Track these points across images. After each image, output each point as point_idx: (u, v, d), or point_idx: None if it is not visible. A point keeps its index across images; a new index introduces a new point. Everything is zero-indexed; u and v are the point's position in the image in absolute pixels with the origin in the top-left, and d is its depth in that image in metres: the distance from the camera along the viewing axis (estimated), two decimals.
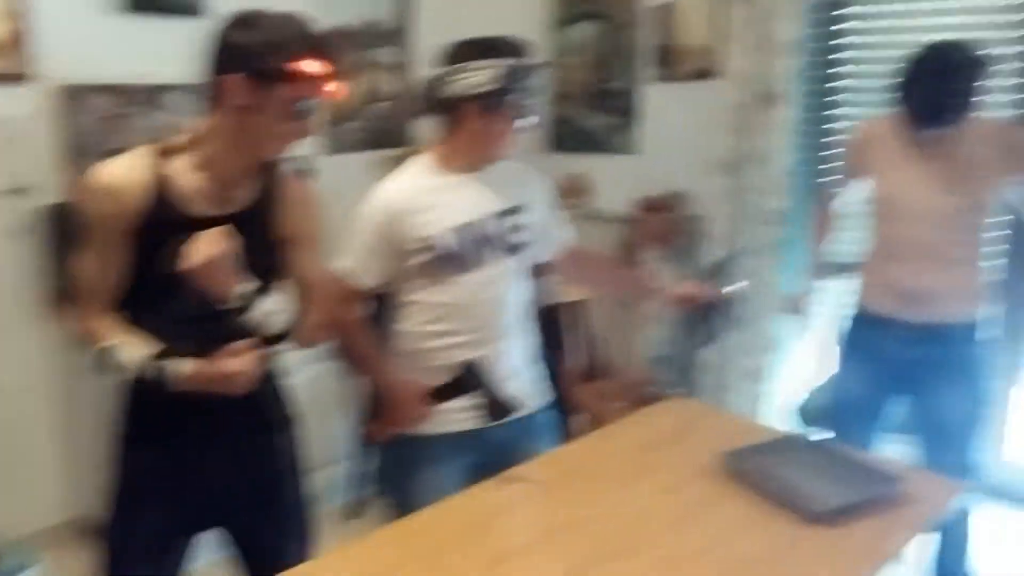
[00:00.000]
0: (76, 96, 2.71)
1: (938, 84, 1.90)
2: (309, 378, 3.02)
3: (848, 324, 2.32)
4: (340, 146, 3.52)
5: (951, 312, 2.11)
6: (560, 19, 3.80)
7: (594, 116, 3.78)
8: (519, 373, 1.98)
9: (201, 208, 1.57)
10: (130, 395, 1.68)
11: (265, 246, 1.64)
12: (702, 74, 3.38)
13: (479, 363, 1.82)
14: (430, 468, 1.90)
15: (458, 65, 1.77)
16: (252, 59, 1.47)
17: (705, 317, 1.85)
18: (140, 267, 1.57)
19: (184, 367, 1.53)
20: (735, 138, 3.16)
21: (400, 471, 1.93)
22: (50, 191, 2.71)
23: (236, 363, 1.53)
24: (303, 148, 3.13)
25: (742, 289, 1.74)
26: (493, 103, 1.77)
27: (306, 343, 1.73)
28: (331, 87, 1.52)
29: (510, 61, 1.75)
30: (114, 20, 2.81)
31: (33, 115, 2.67)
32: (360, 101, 3.58)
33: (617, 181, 3.71)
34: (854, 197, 2.32)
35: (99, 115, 2.76)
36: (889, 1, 2.95)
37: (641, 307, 3.10)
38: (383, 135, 3.67)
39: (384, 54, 3.64)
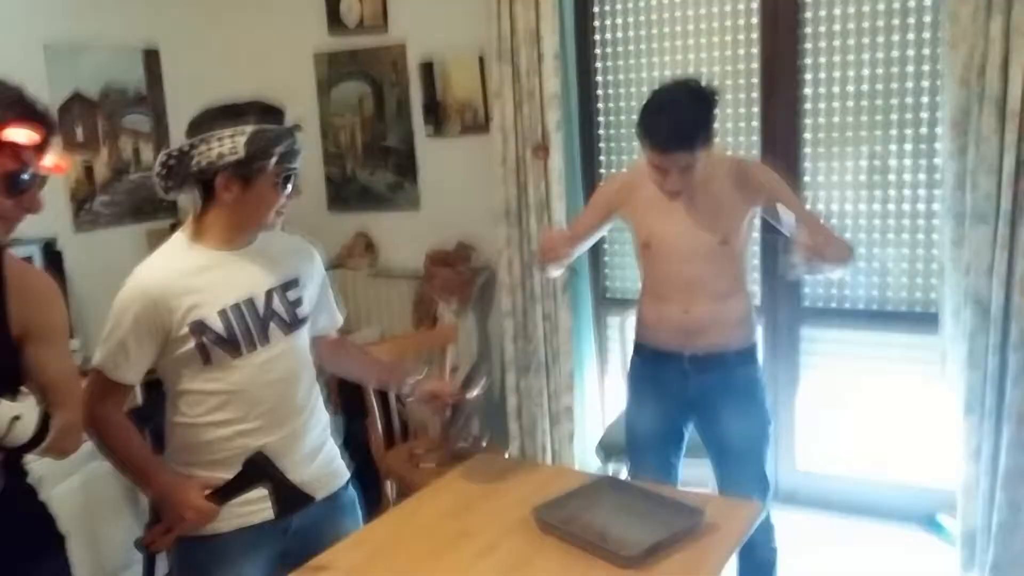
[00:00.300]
0: None
1: (666, 114, 2.04)
2: (85, 480, 2.70)
3: (632, 359, 2.41)
4: (93, 222, 3.21)
5: (724, 341, 2.24)
6: (329, 79, 3.74)
7: (373, 173, 3.73)
8: (315, 453, 1.86)
9: None
10: None
11: None
12: (473, 128, 3.44)
13: (263, 455, 1.67)
14: (227, 569, 1.73)
15: (204, 135, 1.64)
16: None
17: (452, 415, 1.84)
18: None
19: None
20: (512, 189, 3.23)
21: (196, 574, 1.75)
22: None
23: None
24: (45, 229, 2.85)
25: (482, 391, 1.80)
26: (244, 172, 1.64)
27: (58, 450, 1.51)
28: (48, 158, 1.38)
29: (257, 126, 1.64)
30: None
31: None
32: (112, 172, 3.29)
33: (403, 237, 3.68)
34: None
35: None
36: (634, 56, 3.16)
37: (445, 363, 3.05)
38: (144, 205, 3.39)
39: (136, 121, 3.38)
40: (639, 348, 2.36)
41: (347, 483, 1.96)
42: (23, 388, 1.45)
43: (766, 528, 2.22)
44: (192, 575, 1.77)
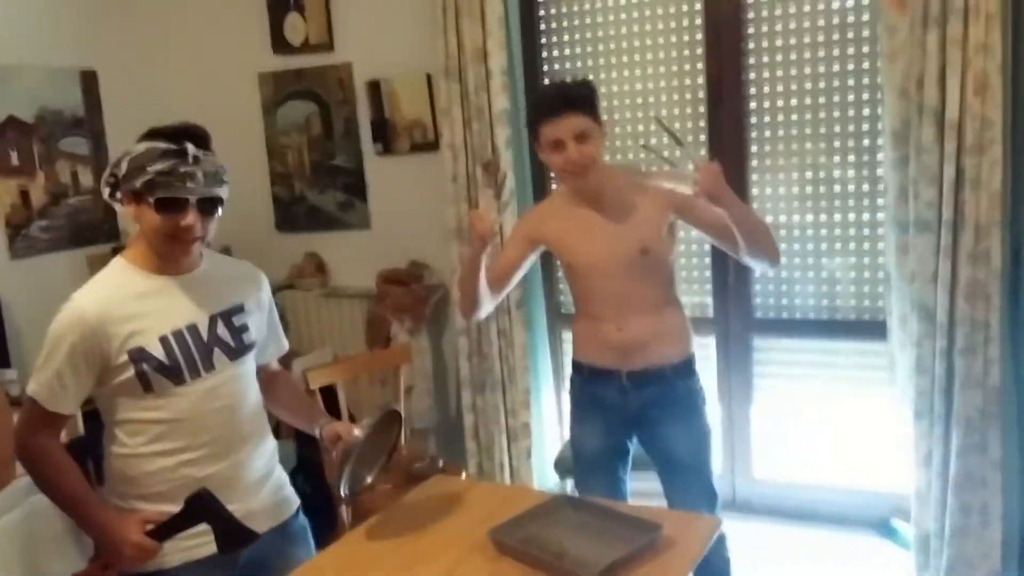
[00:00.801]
0: None
1: (551, 86, 2.16)
2: (26, 514, 2.59)
3: (571, 378, 2.40)
4: (30, 249, 3.11)
5: (661, 356, 2.25)
6: (274, 99, 3.68)
7: (322, 193, 3.68)
8: (263, 482, 1.81)
9: None
10: None
11: None
12: (422, 146, 3.42)
13: (207, 491, 1.61)
14: None
15: (129, 155, 1.61)
16: None
17: (342, 457, 1.82)
18: None
19: None
20: (463, 206, 3.21)
21: None
22: None
23: None
24: None
25: (366, 431, 1.80)
26: (128, 189, 1.61)
27: None
28: None
29: (148, 145, 1.60)
30: None
31: None
32: (49, 196, 3.19)
33: (354, 256, 3.63)
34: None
35: None
36: (583, 72, 3.18)
37: (399, 380, 3.01)
38: (85, 231, 3.30)
39: (74, 144, 3.29)
40: (577, 367, 2.35)
41: (297, 511, 1.91)
42: None
43: (718, 538, 2.21)
44: None
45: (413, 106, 3.42)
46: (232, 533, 1.63)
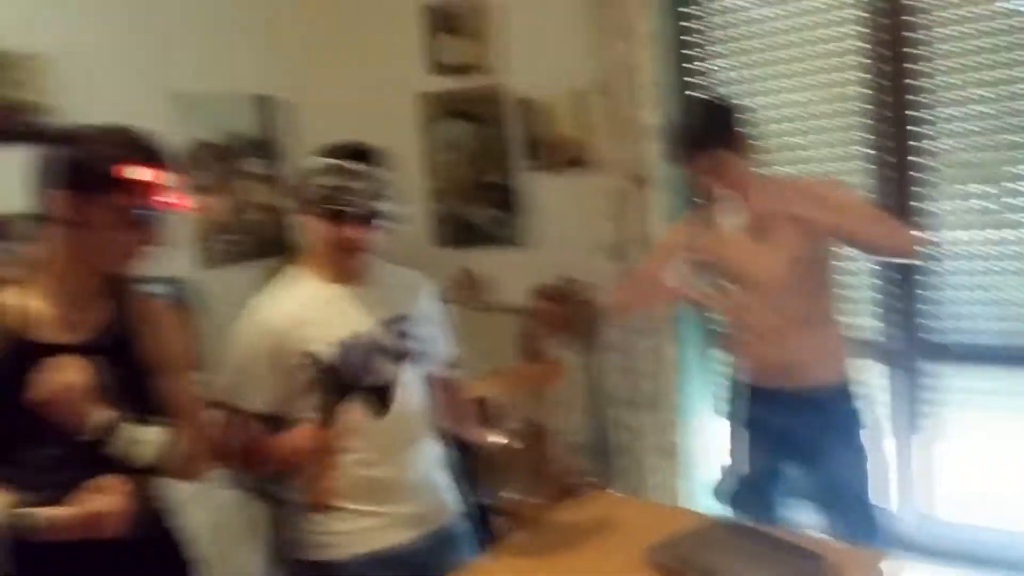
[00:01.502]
0: None
1: (678, 126, 2.16)
2: (213, 508, 2.82)
3: (730, 398, 2.34)
4: (217, 259, 3.39)
5: (822, 375, 2.16)
6: (430, 119, 3.83)
7: (478, 210, 3.79)
8: (426, 485, 1.89)
9: (51, 336, 1.49)
10: (11, 548, 1.50)
11: (126, 371, 1.55)
12: (575, 163, 3.46)
13: (335, 367, 1.72)
14: None
15: (303, 170, 1.76)
16: (73, 171, 1.44)
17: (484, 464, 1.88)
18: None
19: (47, 514, 1.39)
20: (616, 223, 3.22)
21: None
22: None
23: (102, 501, 1.40)
24: (173, 266, 3.01)
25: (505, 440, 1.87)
26: (331, 210, 1.73)
27: (185, 473, 1.63)
28: (169, 196, 1.49)
29: (338, 167, 1.71)
30: None
31: None
32: (234, 212, 3.47)
33: (509, 273, 3.71)
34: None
35: None
36: (736, 83, 3.12)
37: (555, 396, 3.05)
38: (262, 245, 3.56)
39: (256, 164, 3.56)
40: (737, 386, 2.30)
41: (459, 516, 1.97)
42: (152, 418, 1.55)
43: None
44: None
45: (566, 123, 3.46)
46: (375, 393, 1.74)
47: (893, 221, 2.16)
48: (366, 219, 1.73)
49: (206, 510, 2.77)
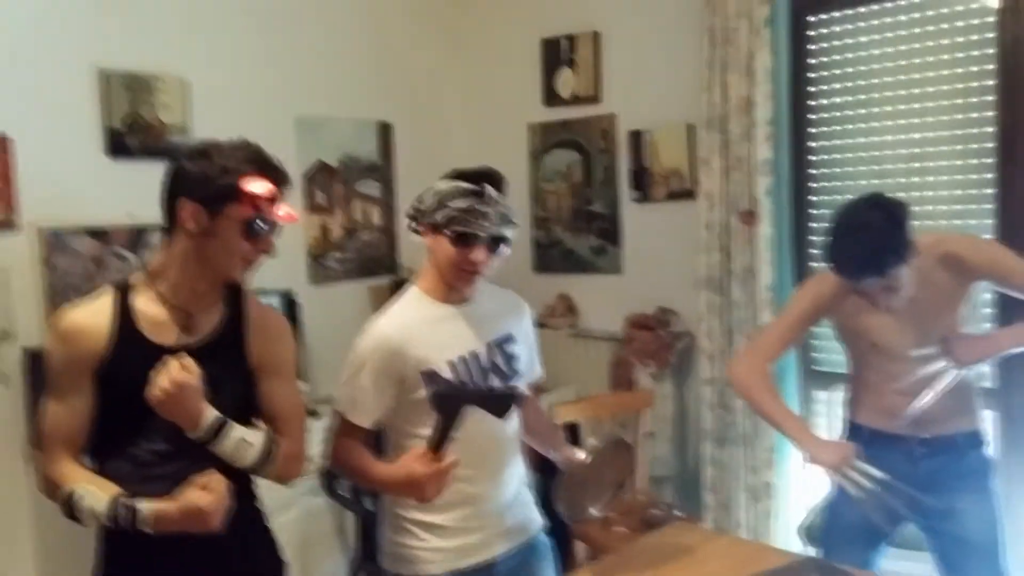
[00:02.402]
0: (59, 240, 2.73)
1: (853, 240, 1.96)
2: (303, 513, 2.95)
3: (844, 438, 2.27)
4: (325, 277, 3.55)
5: (953, 424, 2.08)
6: (540, 148, 3.92)
7: (578, 237, 3.84)
8: (516, 501, 1.93)
9: (167, 339, 1.58)
10: (107, 541, 1.62)
11: (235, 374, 1.63)
12: (678, 195, 3.46)
13: (444, 388, 1.75)
14: None
15: (433, 191, 1.79)
16: (201, 183, 1.52)
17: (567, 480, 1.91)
18: (108, 408, 1.56)
19: (150, 507, 1.47)
20: (717, 255, 3.20)
21: None
22: (35, 335, 2.68)
23: (204, 497, 1.47)
24: (285, 279, 3.18)
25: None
26: (430, 222, 1.77)
27: (282, 476, 1.67)
28: (282, 209, 1.57)
29: (470, 191, 1.74)
30: (97, 164, 2.88)
31: (17, 260, 2.69)
32: (345, 232, 3.64)
33: (603, 299, 3.73)
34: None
35: (83, 258, 2.78)
36: (852, 121, 3.06)
37: (640, 424, 3.04)
38: (369, 264, 3.71)
39: (368, 187, 3.73)
40: (856, 429, 2.22)
41: (541, 530, 2.00)
42: (255, 420, 1.63)
43: None
44: None
45: (672, 155, 3.48)
46: (496, 399, 1.73)
47: None
48: (492, 243, 1.78)
49: (296, 515, 2.90)
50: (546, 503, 3.18)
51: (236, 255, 1.56)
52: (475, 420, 1.79)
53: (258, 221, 1.54)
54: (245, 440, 1.56)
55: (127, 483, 1.53)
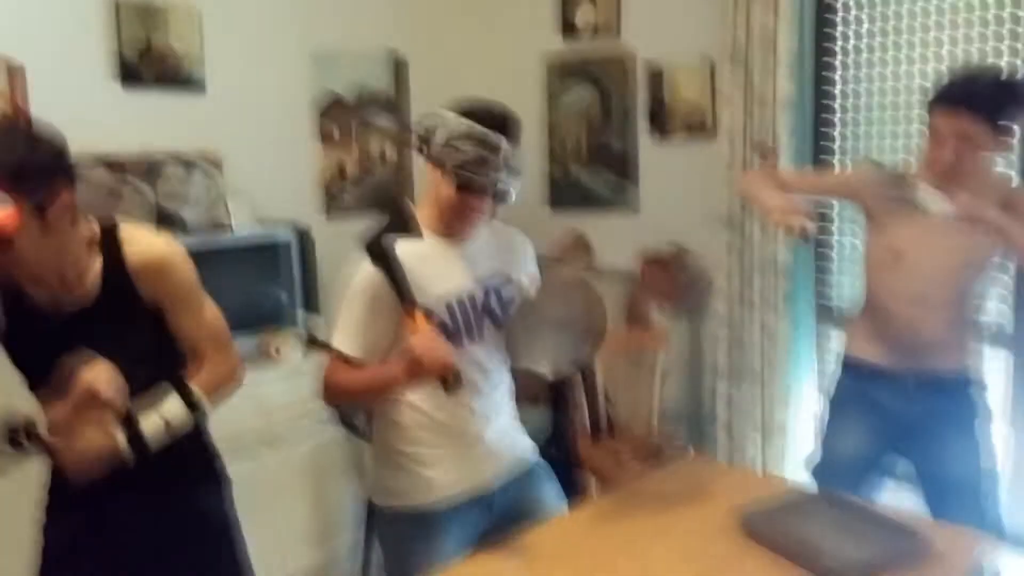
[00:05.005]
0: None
1: (973, 76, 1.97)
2: (317, 445, 2.99)
3: (839, 378, 2.27)
4: (340, 211, 3.54)
5: (948, 362, 2.07)
6: (558, 82, 3.85)
7: (593, 174, 3.79)
8: (506, 435, 1.94)
9: (47, 304, 1.54)
10: (52, 483, 1.66)
11: (135, 319, 1.59)
12: (696, 131, 3.40)
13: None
14: (431, 542, 1.82)
15: (445, 126, 1.71)
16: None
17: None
18: (16, 359, 1.57)
19: (41, 416, 1.48)
20: (733, 193, 3.16)
21: (402, 545, 1.86)
22: None
23: (88, 374, 1.44)
24: (297, 212, 3.15)
25: None
26: (433, 158, 1.72)
27: (224, 396, 1.70)
28: None
29: (482, 140, 1.68)
30: (110, 93, 2.85)
31: None
32: (360, 168, 3.61)
33: (618, 238, 3.70)
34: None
35: (99, 188, 2.77)
36: (879, 56, 2.97)
37: (655, 363, 3.05)
38: (383, 198, 3.69)
39: (384, 119, 3.68)
40: (851, 365, 2.22)
41: (535, 455, 2.01)
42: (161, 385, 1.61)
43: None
44: (397, 545, 1.87)
45: (692, 92, 3.41)
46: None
47: None
48: (496, 194, 1.74)
49: (310, 448, 2.95)
50: (561, 437, 3.22)
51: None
52: (467, 364, 1.76)
53: None
54: (166, 421, 1.56)
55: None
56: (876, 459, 2.18)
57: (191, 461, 1.74)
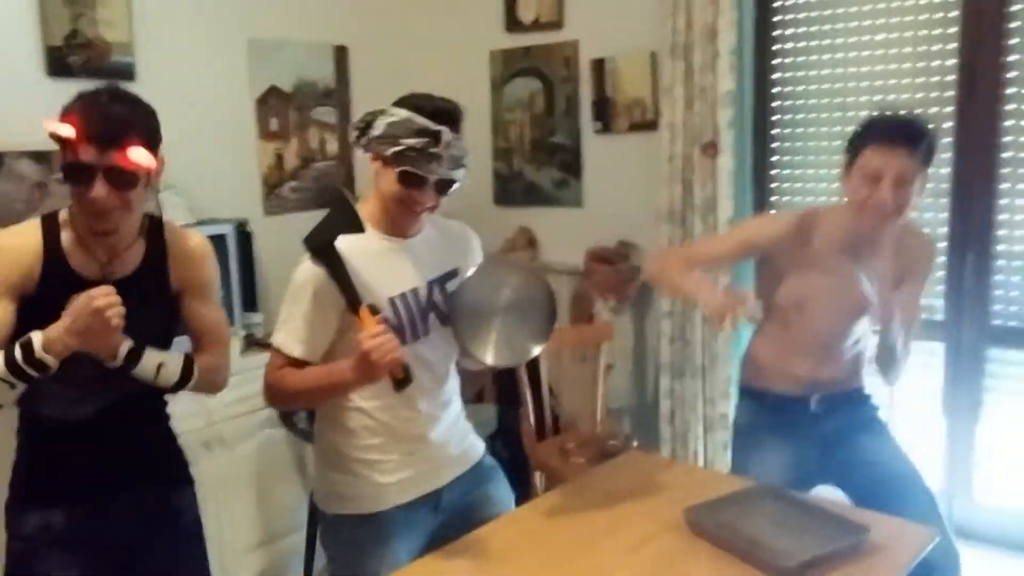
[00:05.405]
0: (1, 162, 2.61)
1: (901, 115, 2.00)
2: (262, 444, 2.93)
3: (739, 407, 2.32)
4: (280, 206, 3.45)
5: (849, 383, 2.20)
6: (502, 76, 3.83)
7: (539, 170, 3.79)
8: (456, 430, 1.93)
9: (91, 273, 1.62)
10: (22, 455, 1.72)
11: (157, 304, 1.71)
12: (641, 126, 3.42)
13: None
14: (382, 546, 1.79)
15: (386, 119, 1.69)
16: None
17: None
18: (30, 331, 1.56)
19: (43, 332, 1.49)
20: (678, 188, 3.18)
21: (350, 550, 1.82)
22: None
23: (95, 297, 1.48)
24: (238, 209, 3.09)
25: None
26: (378, 150, 1.70)
27: (206, 388, 1.78)
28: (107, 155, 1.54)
29: (410, 114, 1.67)
30: (38, 84, 2.73)
31: None
32: (300, 160, 3.53)
33: (565, 233, 3.71)
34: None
35: (25, 182, 2.66)
36: (819, 51, 3.03)
37: (599, 357, 3.06)
38: (327, 192, 3.61)
39: (324, 113, 3.61)
40: (753, 394, 2.25)
41: (484, 453, 2.00)
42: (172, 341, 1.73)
43: (949, 554, 2.00)
44: (345, 550, 1.84)
45: (635, 85, 3.42)
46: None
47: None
48: (442, 187, 1.72)
49: (254, 447, 2.88)
50: (504, 437, 3.22)
51: (79, 203, 1.58)
52: (414, 360, 1.71)
53: (73, 167, 1.53)
54: (163, 364, 1.64)
55: (58, 403, 1.64)
56: (811, 480, 2.20)
57: (167, 460, 1.84)
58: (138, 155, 1.54)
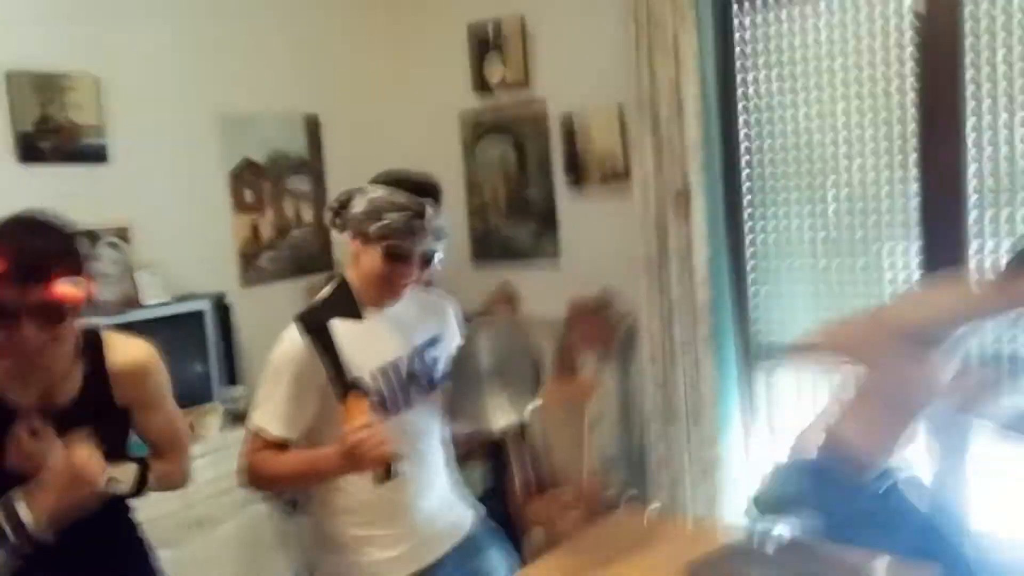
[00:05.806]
0: None
1: None
2: (246, 521, 2.86)
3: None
4: (258, 277, 3.44)
5: None
6: (473, 136, 3.88)
7: (514, 226, 3.81)
8: (446, 499, 1.89)
9: (29, 403, 1.54)
10: None
11: (105, 421, 1.61)
12: (611, 178, 3.47)
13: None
14: None
15: (366, 197, 1.69)
16: None
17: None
18: None
19: (25, 492, 1.45)
20: (653, 236, 3.21)
21: None
22: None
23: (73, 453, 1.46)
24: (214, 282, 3.07)
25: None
26: (359, 230, 1.69)
27: (165, 489, 1.75)
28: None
29: (387, 190, 1.67)
30: (9, 171, 2.73)
31: None
32: (276, 231, 3.53)
33: (544, 287, 3.72)
34: None
35: None
36: (781, 93, 3.10)
37: (585, 410, 3.04)
38: (304, 261, 3.61)
39: (298, 182, 3.62)
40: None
41: (476, 520, 1.96)
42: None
43: None
44: None
45: (604, 138, 3.48)
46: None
47: None
48: (423, 261, 1.72)
49: (239, 524, 2.82)
50: (494, 498, 3.17)
51: (6, 344, 1.45)
52: (403, 427, 1.73)
53: None
54: (115, 479, 1.58)
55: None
56: None
57: (128, 553, 1.77)
58: (64, 288, 1.43)
